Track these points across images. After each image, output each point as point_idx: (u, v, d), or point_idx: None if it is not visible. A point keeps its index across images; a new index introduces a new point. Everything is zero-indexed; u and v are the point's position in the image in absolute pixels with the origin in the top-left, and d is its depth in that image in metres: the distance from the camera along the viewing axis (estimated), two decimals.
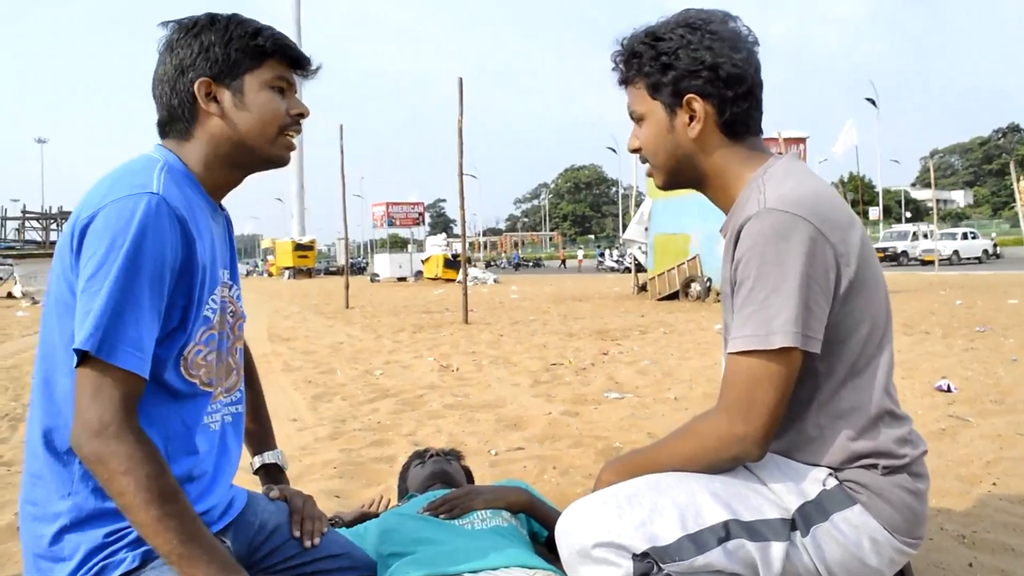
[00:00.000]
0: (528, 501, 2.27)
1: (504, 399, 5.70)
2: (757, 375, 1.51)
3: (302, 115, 1.69)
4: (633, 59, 1.69)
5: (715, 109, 1.65)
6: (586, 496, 1.65)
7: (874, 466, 1.60)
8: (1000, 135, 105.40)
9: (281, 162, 1.70)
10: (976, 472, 3.54)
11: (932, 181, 24.49)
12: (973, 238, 38.81)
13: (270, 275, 63.83)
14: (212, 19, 1.62)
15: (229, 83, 1.60)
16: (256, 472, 2.09)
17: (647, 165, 1.78)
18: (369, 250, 79.10)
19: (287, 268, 54.73)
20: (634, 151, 1.78)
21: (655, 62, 1.65)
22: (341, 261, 55.04)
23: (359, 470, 3.83)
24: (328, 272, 58.73)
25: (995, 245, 40.42)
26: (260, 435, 2.11)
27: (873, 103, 48.25)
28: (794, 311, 1.48)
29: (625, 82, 1.74)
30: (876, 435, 1.60)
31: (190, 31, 1.60)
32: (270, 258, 68.80)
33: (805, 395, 1.61)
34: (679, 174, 1.74)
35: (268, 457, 2.09)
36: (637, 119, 1.74)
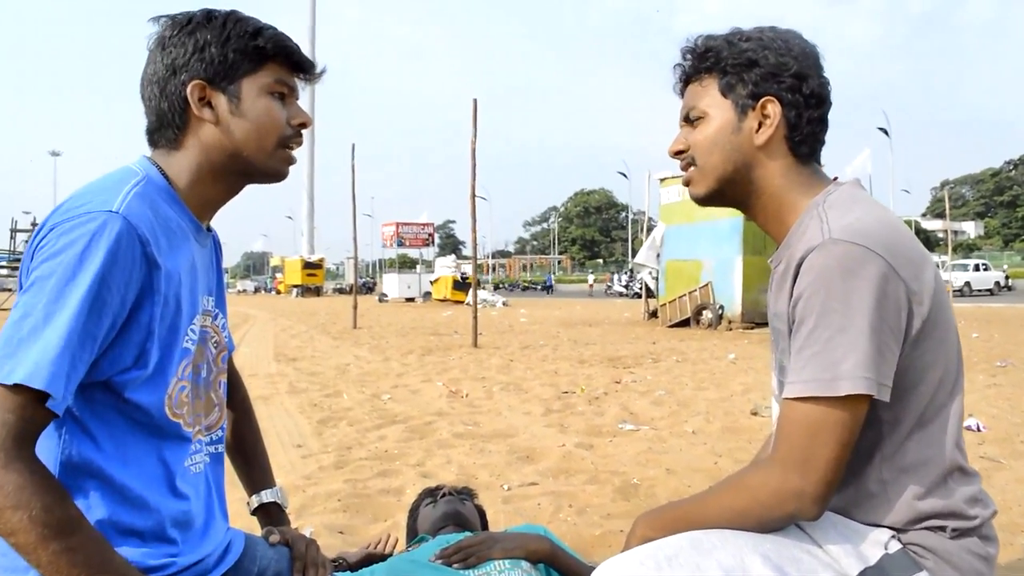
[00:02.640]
0: (549, 550, 2.10)
1: (516, 428, 5.55)
2: (818, 424, 1.35)
3: (304, 125, 1.54)
4: (709, 53, 1.56)
5: (789, 121, 1.52)
6: (621, 554, 1.49)
7: (942, 528, 1.44)
8: (1012, 167, 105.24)
9: (279, 176, 1.54)
10: (1016, 520, 3.35)
11: (947, 212, 24.30)
12: (985, 270, 38.59)
13: (278, 292, 63.98)
14: (209, 15, 1.47)
15: (225, 87, 1.45)
16: (254, 513, 1.91)
17: (690, 171, 1.62)
18: (378, 270, 79.27)
19: (295, 286, 54.85)
20: (676, 154, 1.63)
21: (739, 56, 1.53)
22: (350, 280, 55.18)
23: (365, 503, 3.66)
24: (340, 291, 58.85)
25: (1007, 277, 40.20)
26: (258, 472, 1.93)
27: (885, 133, 48.13)
28: (863, 354, 1.32)
29: (689, 79, 1.61)
30: (945, 493, 1.44)
31: (184, 28, 1.45)
32: (278, 275, 68.93)
33: (866, 447, 1.45)
34: (729, 183, 1.58)
35: (267, 496, 1.91)
36: (693, 119, 1.60)
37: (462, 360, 10.26)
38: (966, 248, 79.86)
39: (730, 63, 1.54)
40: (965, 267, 38.17)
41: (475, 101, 12.62)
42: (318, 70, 1.58)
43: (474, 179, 12.74)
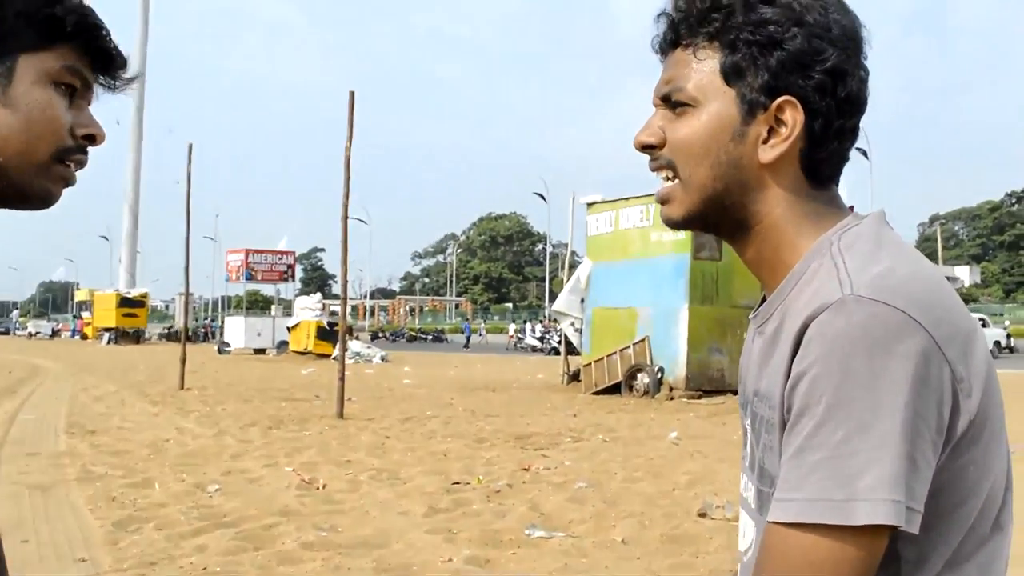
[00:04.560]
0: None
1: (388, 535, 5.43)
2: (820, 564, 1.18)
3: (93, 139, 1.33)
4: (715, 12, 1.36)
5: (811, 133, 1.34)
6: None
7: None
8: (1014, 200, 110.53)
9: (47, 201, 1.33)
10: None
11: (939, 254, 25.15)
12: (984, 327, 40.08)
13: (84, 337, 62.59)
14: None
15: None
16: None
17: (667, 185, 1.41)
18: (220, 310, 78.20)
19: (108, 329, 53.75)
20: (645, 148, 1.42)
21: (757, 29, 1.33)
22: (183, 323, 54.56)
23: None
24: (168, 337, 57.83)
25: (1009, 336, 41.75)
26: None
27: (864, 154, 50.02)
28: (892, 467, 1.15)
29: (678, 41, 1.40)
30: None
31: None
32: (86, 315, 67.49)
33: None
34: (715, 206, 1.40)
35: None
36: (676, 102, 1.39)
37: (322, 436, 10.18)
38: (961, 299, 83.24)
39: (743, 37, 1.35)
40: None
41: (352, 94, 12.66)
42: (129, 73, 1.37)
43: (347, 195, 12.65)
